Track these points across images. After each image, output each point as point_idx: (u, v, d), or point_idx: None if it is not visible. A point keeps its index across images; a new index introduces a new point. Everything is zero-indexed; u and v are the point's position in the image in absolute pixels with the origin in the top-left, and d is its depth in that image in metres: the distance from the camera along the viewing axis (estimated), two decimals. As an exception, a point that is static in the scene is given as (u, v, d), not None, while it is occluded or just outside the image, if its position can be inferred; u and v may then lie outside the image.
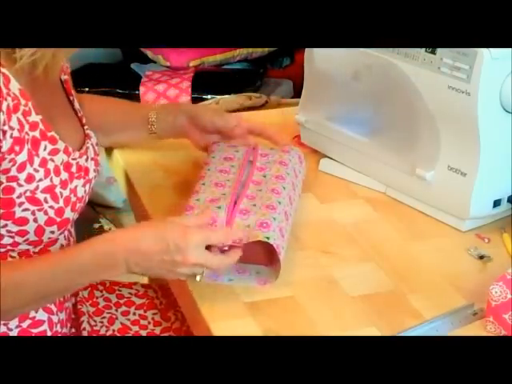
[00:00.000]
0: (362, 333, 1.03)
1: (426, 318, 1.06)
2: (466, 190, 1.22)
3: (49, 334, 1.16)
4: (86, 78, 2.19)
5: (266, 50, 2.37)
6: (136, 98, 2.17)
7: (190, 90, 2.18)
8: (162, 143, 1.41)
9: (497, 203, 1.25)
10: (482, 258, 1.19)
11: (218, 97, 1.72)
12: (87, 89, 2.13)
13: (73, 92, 1.24)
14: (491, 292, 1.03)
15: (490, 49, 1.13)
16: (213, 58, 2.30)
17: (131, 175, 1.38)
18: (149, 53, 2.30)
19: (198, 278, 1.05)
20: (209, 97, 2.13)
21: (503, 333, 1.02)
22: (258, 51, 2.36)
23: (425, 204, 1.30)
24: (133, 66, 2.33)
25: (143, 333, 1.29)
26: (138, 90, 2.19)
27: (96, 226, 2.22)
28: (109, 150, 1.48)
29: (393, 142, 1.33)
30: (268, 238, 1.07)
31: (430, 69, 1.20)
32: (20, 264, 1.07)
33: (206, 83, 2.23)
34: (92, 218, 2.24)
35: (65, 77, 1.23)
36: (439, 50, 1.18)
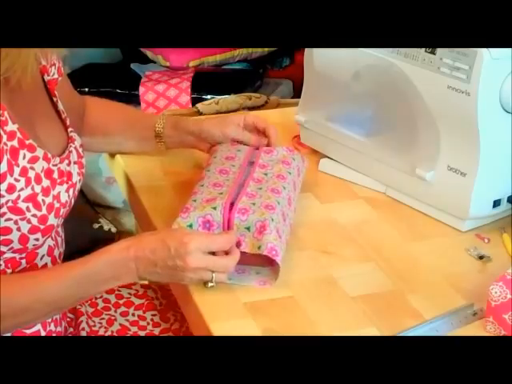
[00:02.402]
0: (362, 333, 1.03)
1: (426, 318, 1.06)
2: (466, 190, 1.22)
3: (43, 333, 1.16)
4: (86, 78, 2.20)
5: (266, 50, 2.38)
6: (136, 98, 2.17)
7: (189, 90, 2.18)
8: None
9: (496, 203, 1.25)
10: (481, 258, 1.19)
11: (218, 97, 1.72)
12: (87, 89, 2.13)
13: (56, 93, 1.21)
14: (491, 292, 1.02)
15: (490, 49, 1.13)
16: (213, 58, 2.30)
17: (131, 176, 1.38)
18: (149, 53, 2.30)
19: (209, 284, 1.06)
20: (208, 97, 2.13)
21: (503, 333, 1.02)
22: (257, 51, 2.36)
23: (425, 204, 1.30)
24: (132, 66, 2.33)
25: (142, 334, 1.29)
26: (138, 90, 2.19)
27: (96, 226, 2.22)
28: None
29: (392, 142, 1.32)
30: (259, 247, 1.08)
31: (430, 69, 1.20)
32: (39, 276, 1.07)
33: (205, 83, 2.23)
34: (92, 218, 2.23)
35: (48, 77, 1.20)
36: (439, 50, 1.18)
